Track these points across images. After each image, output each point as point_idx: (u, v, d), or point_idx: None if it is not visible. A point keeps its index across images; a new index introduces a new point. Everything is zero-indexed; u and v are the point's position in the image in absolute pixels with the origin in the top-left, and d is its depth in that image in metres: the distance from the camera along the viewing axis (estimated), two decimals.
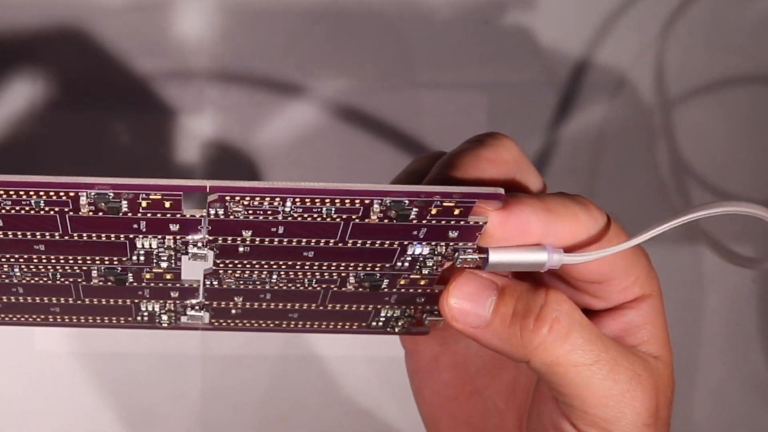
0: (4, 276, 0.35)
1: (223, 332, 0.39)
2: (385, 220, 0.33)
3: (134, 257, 0.35)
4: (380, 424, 0.53)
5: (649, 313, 0.38)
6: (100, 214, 0.32)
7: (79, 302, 0.37)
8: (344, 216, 0.32)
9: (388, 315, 0.38)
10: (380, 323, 0.38)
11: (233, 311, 0.38)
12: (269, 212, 0.32)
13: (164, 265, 0.35)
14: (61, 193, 0.32)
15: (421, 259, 0.35)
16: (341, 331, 0.39)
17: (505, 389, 0.41)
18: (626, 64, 0.56)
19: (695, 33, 0.56)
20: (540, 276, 0.37)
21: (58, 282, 0.36)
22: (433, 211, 0.32)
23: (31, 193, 0.32)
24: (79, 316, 0.38)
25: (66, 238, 0.33)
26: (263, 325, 0.39)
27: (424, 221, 0.33)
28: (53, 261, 0.35)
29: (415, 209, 0.32)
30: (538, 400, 0.39)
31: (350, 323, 0.38)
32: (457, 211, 0.33)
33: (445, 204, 0.32)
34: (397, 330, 0.39)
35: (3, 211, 0.32)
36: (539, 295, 0.36)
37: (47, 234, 0.33)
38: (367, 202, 0.32)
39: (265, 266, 0.35)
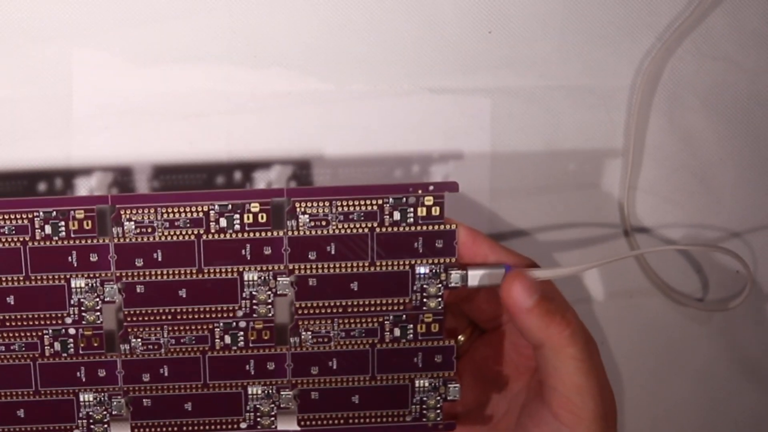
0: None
1: None
2: (394, 228, 0.50)
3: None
4: None
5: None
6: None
7: None
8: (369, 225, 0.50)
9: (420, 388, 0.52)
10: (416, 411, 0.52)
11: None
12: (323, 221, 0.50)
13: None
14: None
15: (425, 283, 0.50)
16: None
17: (514, 396, 0.53)
18: (624, 73, 0.57)
19: (686, 45, 0.57)
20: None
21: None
22: (422, 213, 0.50)
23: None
24: None
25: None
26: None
27: (419, 227, 0.50)
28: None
29: (411, 200, 0.50)
30: (529, 397, 0.51)
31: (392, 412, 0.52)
32: (435, 209, 0.50)
33: (425, 199, 0.50)
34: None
35: None
36: (567, 304, 0.50)
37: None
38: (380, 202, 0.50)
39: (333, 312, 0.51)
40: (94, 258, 0.49)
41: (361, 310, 0.51)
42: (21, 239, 0.49)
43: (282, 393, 0.51)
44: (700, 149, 0.58)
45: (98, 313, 0.50)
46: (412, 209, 0.50)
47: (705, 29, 0.57)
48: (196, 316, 0.50)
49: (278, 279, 0.50)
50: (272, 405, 0.51)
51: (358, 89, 0.56)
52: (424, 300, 0.51)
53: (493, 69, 0.56)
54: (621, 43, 0.57)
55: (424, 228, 0.50)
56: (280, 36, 0.55)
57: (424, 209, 0.50)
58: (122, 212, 0.49)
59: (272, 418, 0.51)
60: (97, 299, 0.49)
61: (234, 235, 0.49)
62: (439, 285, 0.51)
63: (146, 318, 0.50)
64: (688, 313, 0.59)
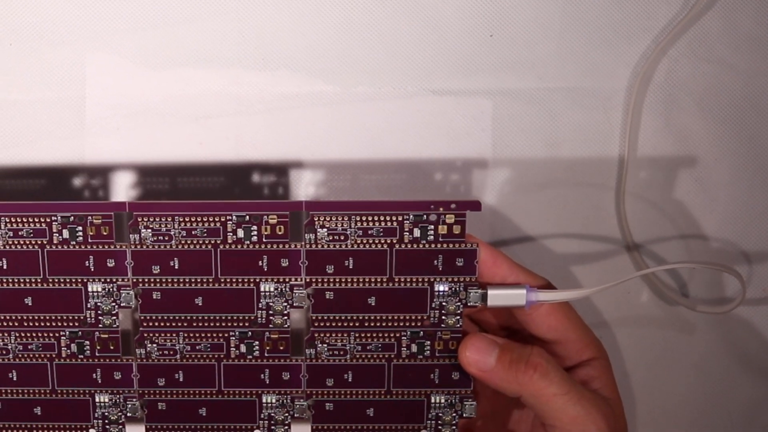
0: None
1: None
2: (414, 245, 0.50)
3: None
4: None
5: (599, 369, 0.51)
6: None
7: None
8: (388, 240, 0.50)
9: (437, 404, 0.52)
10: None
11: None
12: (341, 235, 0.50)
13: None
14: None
15: (444, 300, 0.50)
16: None
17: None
18: (621, 75, 0.57)
19: (681, 48, 0.57)
20: (526, 340, 0.51)
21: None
22: (443, 230, 0.50)
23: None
24: None
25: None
26: None
27: (439, 245, 0.49)
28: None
29: (432, 218, 0.49)
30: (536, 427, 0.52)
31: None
32: (456, 228, 0.50)
33: (447, 217, 0.49)
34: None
35: None
36: (528, 348, 0.49)
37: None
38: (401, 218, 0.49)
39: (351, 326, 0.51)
40: (111, 263, 0.50)
41: (378, 324, 0.51)
42: (39, 242, 0.50)
43: (296, 403, 0.52)
44: (695, 149, 0.58)
45: (114, 317, 0.51)
46: (432, 227, 0.50)
47: (700, 32, 0.57)
48: (212, 324, 0.50)
49: (295, 291, 0.50)
50: (286, 414, 0.52)
51: (362, 91, 0.56)
52: (443, 317, 0.51)
53: (494, 71, 0.57)
54: (618, 46, 0.57)
55: (445, 246, 0.50)
56: (287, 39, 0.56)
57: (445, 227, 0.50)
58: (140, 219, 0.49)
59: (286, 427, 0.52)
60: (114, 304, 0.50)
61: (251, 246, 0.50)
62: (458, 303, 0.50)
63: (162, 324, 0.51)
64: (685, 311, 0.60)
